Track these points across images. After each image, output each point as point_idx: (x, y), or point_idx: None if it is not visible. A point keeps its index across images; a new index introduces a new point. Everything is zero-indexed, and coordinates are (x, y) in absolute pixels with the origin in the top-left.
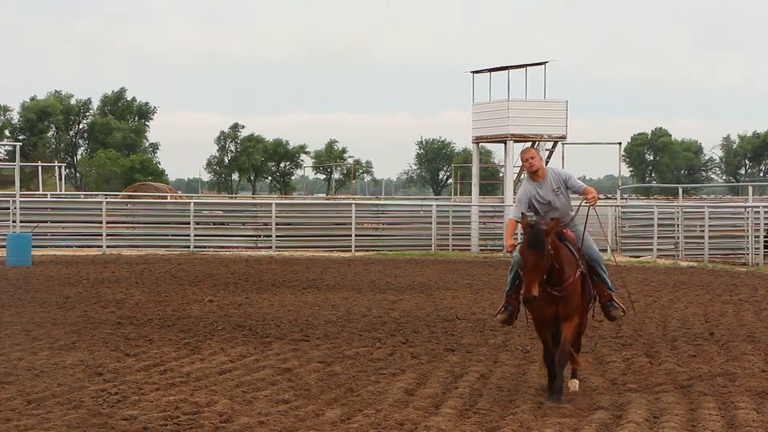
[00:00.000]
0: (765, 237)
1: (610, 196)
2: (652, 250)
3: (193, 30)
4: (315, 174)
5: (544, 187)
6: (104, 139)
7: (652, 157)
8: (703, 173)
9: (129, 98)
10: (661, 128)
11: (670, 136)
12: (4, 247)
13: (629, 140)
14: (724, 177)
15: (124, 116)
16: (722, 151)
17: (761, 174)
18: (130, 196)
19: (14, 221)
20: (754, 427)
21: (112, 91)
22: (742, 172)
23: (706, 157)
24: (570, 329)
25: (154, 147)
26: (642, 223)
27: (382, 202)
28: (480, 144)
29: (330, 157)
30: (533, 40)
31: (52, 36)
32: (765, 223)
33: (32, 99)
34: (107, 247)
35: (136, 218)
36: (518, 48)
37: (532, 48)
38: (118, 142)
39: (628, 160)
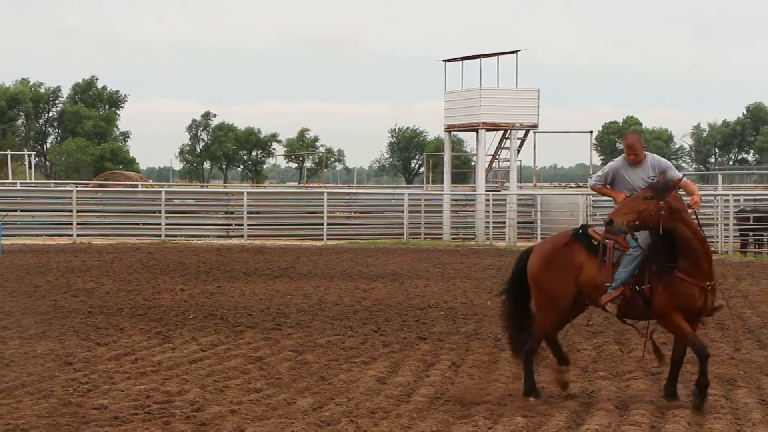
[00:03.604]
0: (735, 224)
1: (581, 184)
2: None
3: (164, 17)
4: (287, 163)
5: (637, 171)
6: (74, 128)
7: (622, 146)
8: (674, 161)
9: (100, 86)
10: (632, 117)
11: (641, 124)
12: None
13: (600, 129)
14: (694, 165)
15: (95, 104)
16: (692, 139)
17: (731, 162)
18: (100, 185)
19: None
20: (722, 414)
21: (83, 80)
22: (712, 160)
23: (677, 146)
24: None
25: (125, 135)
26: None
27: (354, 190)
28: (452, 132)
29: (302, 145)
30: (508, 29)
31: (22, 22)
32: (734, 212)
33: None
34: (77, 235)
35: (106, 207)
36: (494, 37)
37: (507, 37)
38: (89, 131)
39: (599, 148)
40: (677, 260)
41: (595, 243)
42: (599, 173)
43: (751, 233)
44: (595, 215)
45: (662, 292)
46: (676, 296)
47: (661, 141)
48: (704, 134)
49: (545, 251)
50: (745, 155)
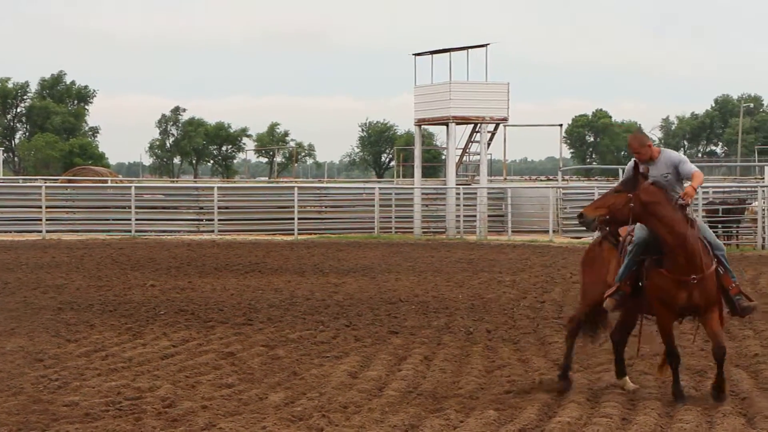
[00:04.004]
0: (704, 216)
1: (551, 177)
2: None
3: (134, 11)
4: (257, 157)
5: (652, 169)
6: (43, 123)
7: (592, 139)
8: None
9: (68, 81)
10: (601, 110)
11: (611, 117)
12: None
13: (570, 122)
14: None
15: (63, 100)
16: (661, 132)
17: (699, 155)
18: (69, 181)
19: None
20: (693, 406)
21: (51, 75)
22: (681, 153)
23: None
24: (716, 323)
25: (94, 131)
26: (583, 204)
27: (324, 185)
28: (422, 126)
29: (272, 140)
30: (480, 24)
31: None
32: (703, 204)
33: None
34: (47, 232)
35: (76, 203)
36: (467, 31)
37: (479, 31)
38: (57, 126)
39: (569, 141)
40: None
41: (621, 240)
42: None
43: (720, 225)
44: (566, 208)
45: (647, 285)
46: (654, 290)
47: (630, 134)
48: (673, 127)
49: (587, 249)
50: (714, 147)
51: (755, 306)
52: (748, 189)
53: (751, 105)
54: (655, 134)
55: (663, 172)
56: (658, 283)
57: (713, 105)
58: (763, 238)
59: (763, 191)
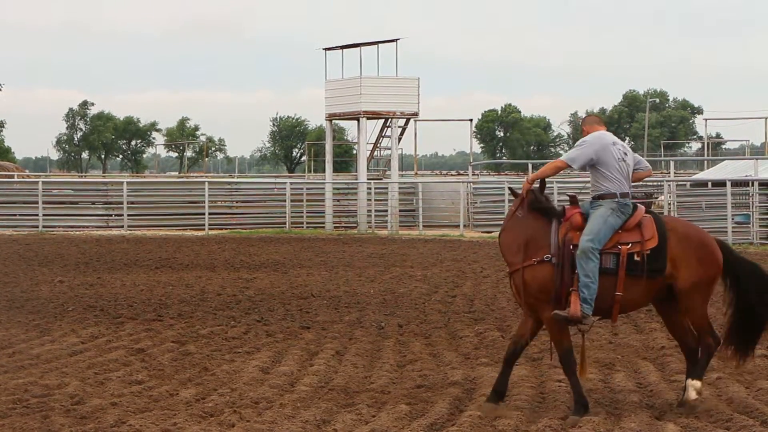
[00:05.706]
0: None
1: (462, 172)
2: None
3: (42, 1)
4: (167, 152)
5: None
6: None
7: (502, 134)
8: (552, 149)
9: None
10: (510, 105)
11: (520, 112)
12: None
13: (480, 117)
14: None
15: None
16: (570, 127)
17: None
18: None
19: None
20: (600, 397)
21: None
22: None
23: (555, 133)
24: (547, 328)
25: (0, 125)
26: (493, 198)
27: (235, 180)
28: (333, 121)
29: (182, 134)
30: (393, 18)
31: None
32: None
33: None
34: None
35: None
36: (380, 24)
37: (393, 25)
38: None
39: (479, 136)
40: None
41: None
42: None
43: None
44: (476, 203)
45: None
46: None
47: (540, 128)
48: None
49: None
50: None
51: (562, 318)
52: (655, 183)
53: (657, 100)
54: (563, 129)
55: None
56: None
57: (621, 100)
58: None
59: (669, 185)
